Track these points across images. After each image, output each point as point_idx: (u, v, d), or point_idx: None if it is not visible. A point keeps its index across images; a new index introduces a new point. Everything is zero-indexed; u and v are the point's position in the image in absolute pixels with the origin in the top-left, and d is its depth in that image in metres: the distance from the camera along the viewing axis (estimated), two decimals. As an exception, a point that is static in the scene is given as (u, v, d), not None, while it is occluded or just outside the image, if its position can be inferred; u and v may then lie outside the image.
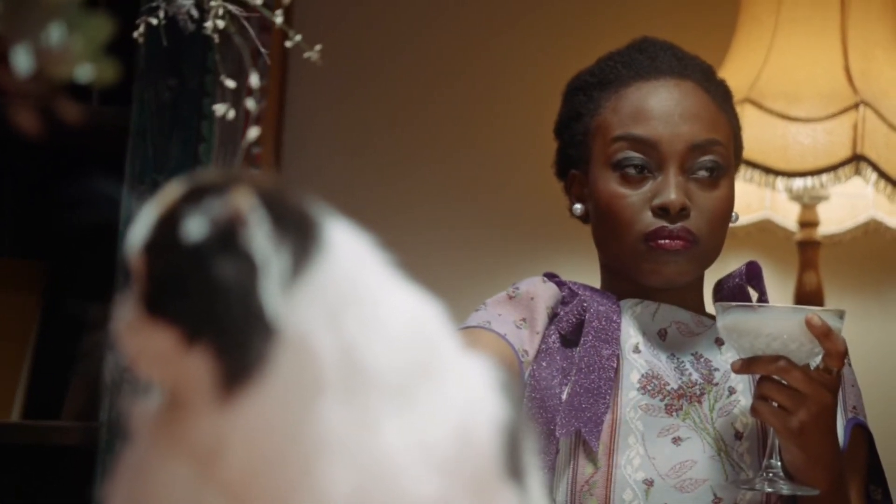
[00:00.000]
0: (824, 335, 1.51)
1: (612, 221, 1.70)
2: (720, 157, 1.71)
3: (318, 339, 0.76)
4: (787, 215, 2.66)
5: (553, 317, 1.74)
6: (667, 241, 1.67)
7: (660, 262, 1.68)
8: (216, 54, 1.20)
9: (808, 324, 1.51)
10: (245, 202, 0.77)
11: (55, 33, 0.75)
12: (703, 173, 1.70)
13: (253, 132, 1.03)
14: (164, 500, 0.78)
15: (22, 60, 0.75)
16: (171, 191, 0.80)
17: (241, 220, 0.77)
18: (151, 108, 2.20)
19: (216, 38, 1.18)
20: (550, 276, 1.80)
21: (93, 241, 2.45)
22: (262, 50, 1.20)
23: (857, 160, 2.44)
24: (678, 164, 1.69)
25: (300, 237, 0.78)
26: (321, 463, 0.75)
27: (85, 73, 0.74)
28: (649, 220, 1.68)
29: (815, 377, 1.53)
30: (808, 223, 2.59)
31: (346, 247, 0.80)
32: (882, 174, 2.45)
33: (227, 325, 0.75)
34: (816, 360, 1.56)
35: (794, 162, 2.47)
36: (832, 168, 2.45)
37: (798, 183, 2.49)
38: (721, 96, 1.77)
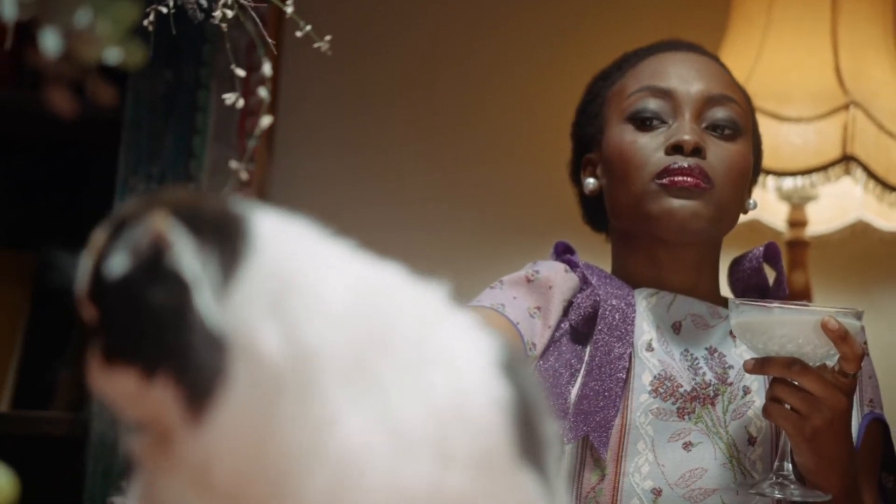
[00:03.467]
0: (841, 338, 1.45)
1: (625, 168, 1.65)
2: (736, 114, 1.68)
3: (265, 336, 0.75)
4: (776, 215, 2.67)
5: (567, 308, 1.68)
6: (679, 177, 1.61)
7: (672, 198, 1.61)
8: (227, 43, 1.20)
9: (824, 327, 1.44)
10: (162, 223, 0.76)
11: (83, 16, 0.75)
12: (718, 128, 1.67)
13: (266, 120, 1.03)
14: None
15: (50, 42, 0.75)
16: (100, 233, 0.79)
17: (163, 242, 0.76)
18: (146, 100, 2.20)
19: (224, 27, 1.18)
20: (564, 249, 1.76)
21: (84, 232, 2.46)
22: (270, 40, 1.19)
23: (847, 160, 2.46)
24: (693, 112, 1.66)
25: (225, 240, 0.77)
26: (291, 465, 0.75)
27: (113, 56, 0.74)
28: (662, 159, 1.63)
29: (831, 380, 1.47)
30: (797, 223, 2.60)
31: (276, 237, 0.79)
32: (872, 174, 2.46)
33: (177, 350, 0.75)
34: (834, 359, 1.50)
35: (784, 161, 2.48)
36: (822, 168, 2.46)
37: (788, 182, 2.50)
38: (737, 83, 1.77)
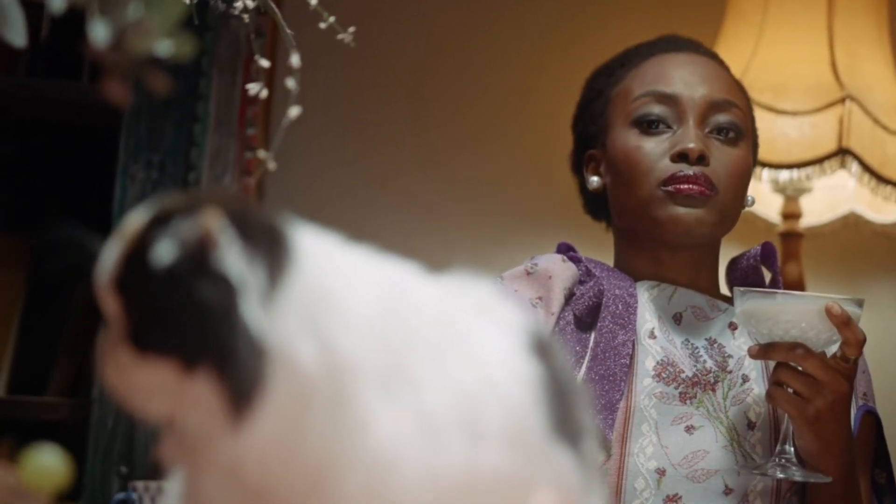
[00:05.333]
0: (844, 324, 1.50)
1: (630, 172, 1.69)
2: (738, 119, 1.72)
3: (302, 348, 0.75)
4: (770, 207, 2.69)
5: (569, 297, 1.72)
6: (685, 185, 1.65)
7: (678, 208, 1.65)
8: (250, 34, 1.20)
9: (828, 312, 1.50)
10: (214, 223, 0.76)
11: (134, 8, 0.76)
12: (722, 133, 1.70)
13: (294, 111, 1.04)
14: None
15: (99, 33, 0.76)
16: (135, 221, 0.78)
17: (212, 241, 0.75)
18: (146, 87, 2.20)
19: (246, 17, 1.18)
20: (566, 249, 1.80)
21: (81, 218, 2.46)
22: (288, 31, 1.20)
23: (842, 154, 2.48)
24: (697, 118, 1.69)
25: (271, 250, 0.76)
26: (324, 470, 0.75)
27: (164, 47, 0.75)
28: (667, 166, 1.67)
29: (833, 365, 1.52)
30: (791, 215, 2.62)
31: (314, 252, 0.79)
32: (866, 168, 2.48)
33: (222, 348, 0.74)
34: (833, 348, 1.55)
35: (780, 154, 2.50)
36: (818, 161, 2.49)
37: (784, 175, 2.53)
38: (738, 83, 1.80)
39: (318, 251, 0.79)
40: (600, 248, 1.89)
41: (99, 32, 0.76)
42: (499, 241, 2.75)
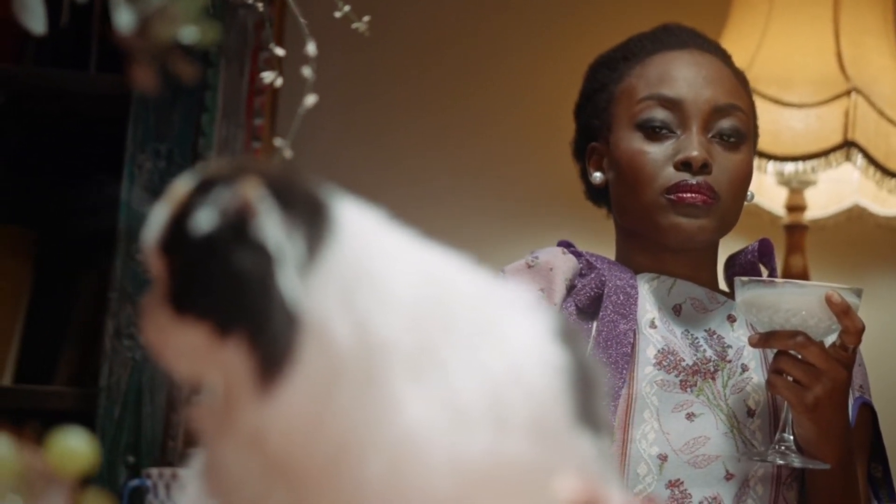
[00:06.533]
0: (843, 312, 1.53)
1: (634, 177, 1.71)
2: (741, 122, 1.73)
3: (337, 324, 0.76)
4: (774, 199, 2.70)
5: (570, 289, 1.75)
6: (688, 194, 1.67)
7: (680, 216, 1.67)
8: (265, 22, 1.21)
9: (828, 300, 1.52)
10: (254, 192, 0.77)
11: (158, -5, 0.76)
12: (724, 137, 1.72)
13: (310, 99, 1.04)
14: (241, 488, 0.79)
15: (124, 20, 0.76)
16: (181, 186, 0.79)
17: (250, 209, 0.76)
18: (172, 74, 2.20)
19: (261, 6, 1.19)
20: (566, 246, 1.82)
21: (88, 207, 2.46)
22: (301, 20, 1.20)
23: (847, 146, 2.49)
24: (701, 124, 1.71)
25: (311, 222, 0.77)
26: (349, 446, 0.75)
27: (189, 34, 0.75)
28: (671, 174, 1.69)
29: (832, 353, 1.55)
30: (795, 207, 2.63)
31: (355, 227, 0.79)
32: (872, 160, 2.49)
33: (255, 315, 0.75)
34: (832, 338, 1.57)
35: (785, 146, 2.51)
36: (823, 153, 2.49)
37: (789, 167, 2.53)
38: (741, 79, 1.81)
39: (359, 226, 0.79)
40: (602, 239, 1.90)
41: (123, 19, 0.77)
42: (504, 228, 2.76)
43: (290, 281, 0.75)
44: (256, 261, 0.75)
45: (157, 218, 0.79)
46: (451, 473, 0.77)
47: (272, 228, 0.76)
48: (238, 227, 0.76)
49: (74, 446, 0.76)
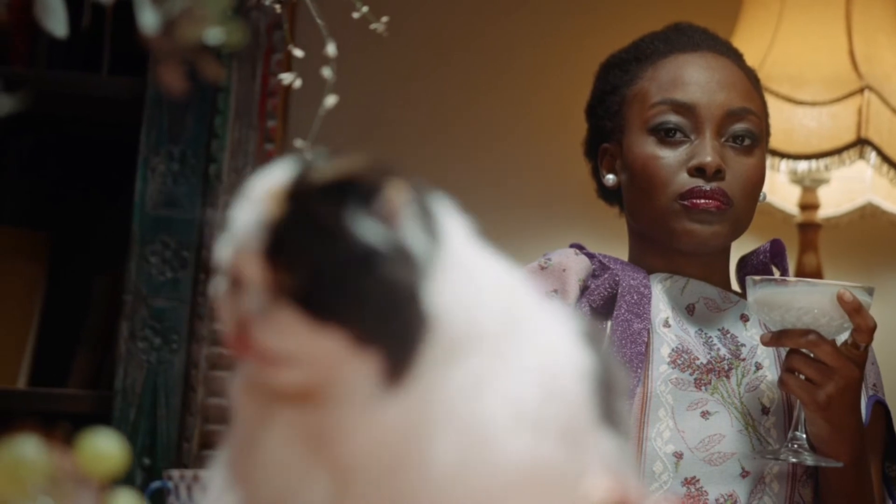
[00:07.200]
0: (855, 310, 1.53)
1: (648, 182, 1.71)
2: (754, 126, 1.74)
3: (452, 321, 0.76)
4: (787, 198, 2.70)
5: (584, 289, 1.76)
6: (702, 200, 1.67)
7: (694, 223, 1.68)
8: (287, 25, 1.21)
9: (840, 299, 1.52)
10: (400, 196, 0.75)
11: (182, -3, 0.76)
12: (738, 140, 1.72)
13: (331, 100, 1.04)
14: (276, 478, 0.78)
15: (149, 21, 0.76)
16: (274, 182, 0.75)
17: (396, 215, 0.74)
18: (199, 75, 2.20)
19: (278, 8, 1.19)
20: (579, 248, 1.82)
21: (100, 211, 2.47)
22: (319, 21, 1.21)
23: (861, 144, 2.48)
24: (714, 129, 1.71)
25: (431, 226, 0.76)
26: (429, 435, 0.75)
27: (215, 35, 0.75)
28: (685, 180, 1.69)
29: (844, 352, 1.56)
30: (808, 205, 2.63)
31: (451, 227, 0.79)
32: (885, 158, 2.49)
33: (400, 323, 0.73)
34: (844, 337, 1.58)
35: (798, 145, 2.51)
36: (837, 151, 2.49)
37: (802, 165, 2.53)
38: (753, 78, 1.81)
39: (453, 225, 0.79)
40: (614, 241, 1.90)
41: (148, 20, 0.77)
42: (516, 228, 2.76)
43: (432, 288, 0.74)
44: (405, 268, 0.74)
45: (252, 217, 0.75)
46: (511, 471, 0.77)
47: (419, 235, 0.75)
48: (385, 232, 0.74)
49: (104, 448, 0.76)
